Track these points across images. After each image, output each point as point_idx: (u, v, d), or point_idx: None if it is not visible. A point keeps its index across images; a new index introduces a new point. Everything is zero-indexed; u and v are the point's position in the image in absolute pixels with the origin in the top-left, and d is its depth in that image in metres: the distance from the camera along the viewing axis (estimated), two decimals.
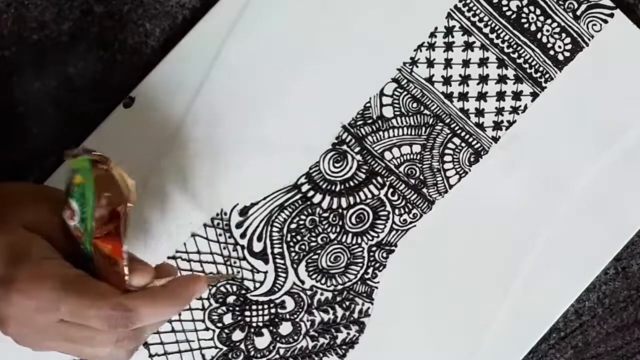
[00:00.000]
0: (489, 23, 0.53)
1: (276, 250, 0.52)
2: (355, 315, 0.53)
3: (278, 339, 0.52)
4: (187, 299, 0.42)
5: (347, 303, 0.53)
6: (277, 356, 0.52)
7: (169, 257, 0.51)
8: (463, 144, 0.53)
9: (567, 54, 0.53)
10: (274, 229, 0.52)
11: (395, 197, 0.53)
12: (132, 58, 0.50)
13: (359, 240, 0.53)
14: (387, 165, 0.52)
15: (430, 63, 0.52)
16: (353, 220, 0.52)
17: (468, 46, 0.53)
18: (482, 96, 0.53)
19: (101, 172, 0.39)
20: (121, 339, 0.39)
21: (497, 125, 0.53)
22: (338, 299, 0.53)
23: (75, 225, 0.39)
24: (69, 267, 0.39)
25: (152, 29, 0.51)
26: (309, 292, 0.52)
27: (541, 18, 0.53)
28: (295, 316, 0.52)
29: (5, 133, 0.49)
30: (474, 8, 0.52)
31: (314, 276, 0.52)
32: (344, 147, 0.52)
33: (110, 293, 0.38)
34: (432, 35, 0.52)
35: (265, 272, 0.52)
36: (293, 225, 0.52)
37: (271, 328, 0.52)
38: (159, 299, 0.40)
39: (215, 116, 0.51)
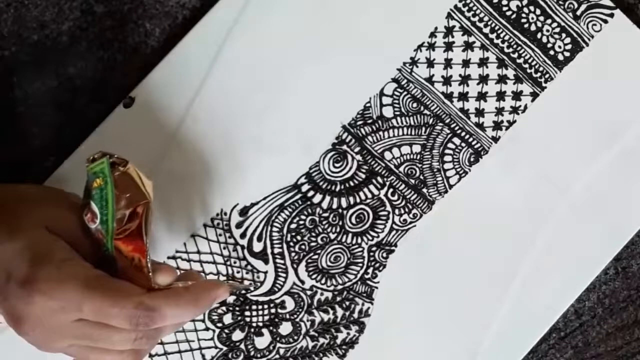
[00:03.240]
0: (489, 23, 0.53)
1: (276, 250, 0.52)
2: (355, 315, 0.53)
3: (278, 339, 0.52)
4: (209, 302, 0.42)
5: (347, 303, 0.53)
6: (277, 356, 0.52)
7: (169, 257, 0.51)
8: (463, 144, 0.53)
9: (567, 54, 0.53)
10: (274, 229, 0.52)
11: (395, 197, 0.53)
12: (132, 58, 0.50)
13: (359, 240, 0.53)
14: (387, 165, 0.52)
15: (430, 63, 0.52)
16: (353, 220, 0.52)
17: (468, 46, 0.53)
18: (482, 96, 0.53)
19: (120, 174, 0.40)
20: (139, 337, 0.40)
21: (497, 125, 0.53)
22: (338, 299, 0.53)
23: (97, 227, 0.40)
24: (90, 267, 0.40)
25: (152, 29, 0.51)
26: (309, 292, 0.52)
27: (541, 18, 0.53)
28: (295, 316, 0.52)
29: (5, 133, 0.49)
30: (474, 8, 0.52)
31: (314, 276, 0.52)
32: (344, 147, 0.52)
33: (133, 292, 0.39)
34: (432, 35, 0.52)
35: (265, 272, 0.52)
36: (293, 225, 0.52)
37: (271, 328, 0.52)
38: (181, 299, 0.40)
39: (215, 116, 0.51)
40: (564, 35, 0.53)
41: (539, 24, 0.53)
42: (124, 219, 0.40)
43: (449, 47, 0.53)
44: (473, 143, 0.53)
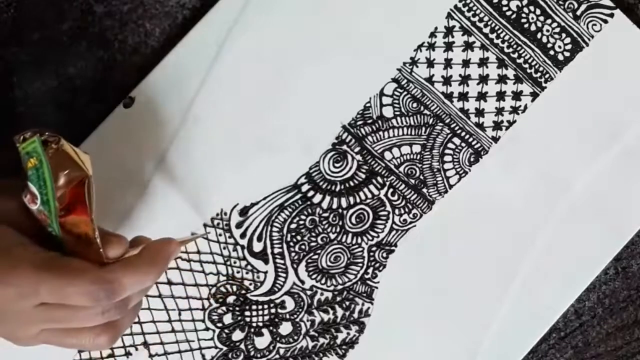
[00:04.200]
0: (489, 23, 0.53)
1: (276, 250, 0.52)
2: (355, 315, 0.53)
3: (278, 339, 0.52)
4: (165, 262, 0.42)
5: (347, 303, 0.53)
6: (277, 356, 0.52)
7: None
8: (463, 144, 0.53)
9: (567, 54, 0.53)
10: (274, 229, 0.52)
11: (395, 197, 0.53)
12: (132, 58, 0.50)
13: (359, 240, 0.53)
14: (387, 165, 0.52)
15: (430, 63, 0.52)
16: (353, 220, 0.52)
17: (468, 46, 0.53)
18: (482, 96, 0.53)
19: (54, 151, 0.38)
20: (107, 310, 0.39)
21: (497, 125, 0.53)
22: (338, 299, 0.53)
23: (38, 208, 0.39)
24: (42, 250, 0.39)
25: (152, 29, 0.51)
26: (309, 292, 0.52)
27: (541, 18, 0.53)
28: (295, 316, 0.52)
29: (5, 133, 0.49)
30: (474, 8, 0.52)
31: (314, 276, 0.52)
32: (344, 147, 0.52)
33: (88, 268, 0.38)
34: (432, 35, 0.52)
35: (265, 272, 0.52)
36: (293, 225, 0.52)
37: (271, 328, 0.52)
38: (137, 266, 0.40)
39: (215, 116, 0.51)
40: (564, 35, 0.53)
41: (539, 24, 0.53)
42: (65, 196, 0.38)
43: (449, 47, 0.53)
44: (473, 143, 0.53)
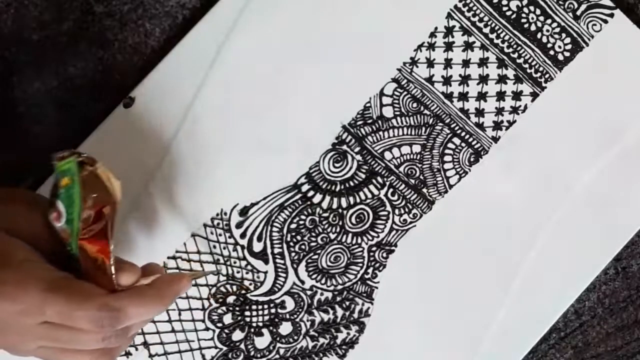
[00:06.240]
0: (489, 23, 0.53)
1: (276, 250, 0.52)
2: (355, 315, 0.53)
3: (278, 339, 0.52)
4: (173, 297, 0.42)
5: (347, 303, 0.53)
6: (277, 356, 0.52)
7: (169, 257, 0.51)
8: (463, 144, 0.53)
9: (567, 54, 0.53)
10: (274, 229, 0.52)
11: (395, 197, 0.53)
12: (132, 58, 0.50)
13: (359, 240, 0.53)
14: (387, 165, 0.52)
15: (430, 63, 0.52)
16: (353, 220, 0.52)
17: (468, 46, 0.53)
18: (482, 96, 0.53)
19: (88, 174, 0.39)
20: (108, 337, 0.39)
21: (497, 125, 0.53)
22: (338, 299, 0.53)
23: (62, 226, 0.40)
24: (53, 269, 0.39)
25: (152, 29, 0.51)
26: (309, 292, 0.52)
27: (541, 18, 0.53)
28: (295, 316, 0.52)
29: (5, 133, 0.49)
30: (474, 8, 0.52)
31: (314, 276, 0.52)
32: (344, 147, 0.52)
33: (96, 293, 0.39)
34: (432, 35, 0.52)
35: (265, 272, 0.52)
36: (293, 225, 0.52)
37: (271, 328, 0.52)
38: (145, 298, 0.40)
39: (215, 116, 0.51)
40: (564, 35, 0.53)
41: (539, 24, 0.53)
42: (89, 219, 0.39)
43: (449, 47, 0.53)
44: (473, 143, 0.53)
